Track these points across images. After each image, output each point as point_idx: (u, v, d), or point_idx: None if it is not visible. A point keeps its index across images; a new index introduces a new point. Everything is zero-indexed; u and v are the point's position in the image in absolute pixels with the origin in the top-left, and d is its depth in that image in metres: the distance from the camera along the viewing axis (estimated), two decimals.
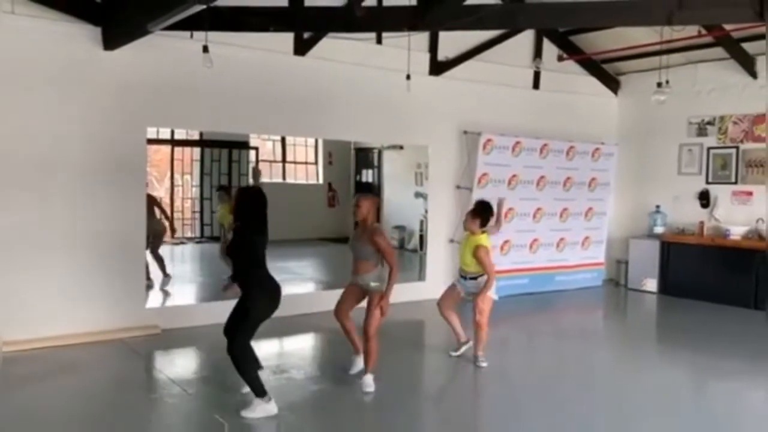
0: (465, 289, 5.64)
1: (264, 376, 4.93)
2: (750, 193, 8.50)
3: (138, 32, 5.60)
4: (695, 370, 5.86)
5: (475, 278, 5.54)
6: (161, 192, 11.58)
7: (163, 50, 6.26)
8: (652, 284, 9.10)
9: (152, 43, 5.95)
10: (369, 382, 4.92)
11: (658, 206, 9.22)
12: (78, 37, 5.98)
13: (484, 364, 5.53)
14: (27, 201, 5.84)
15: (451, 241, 8.21)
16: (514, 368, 5.61)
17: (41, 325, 5.85)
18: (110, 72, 6.15)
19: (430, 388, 5.48)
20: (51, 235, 5.96)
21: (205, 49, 5.20)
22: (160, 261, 8.35)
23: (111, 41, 6.01)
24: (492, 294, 5.52)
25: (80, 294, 6.08)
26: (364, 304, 5.02)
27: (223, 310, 6.74)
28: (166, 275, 8.39)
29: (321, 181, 12.85)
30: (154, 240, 8.07)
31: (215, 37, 5.51)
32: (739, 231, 8.35)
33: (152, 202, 8.13)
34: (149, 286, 7.82)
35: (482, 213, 5.57)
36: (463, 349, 5.77)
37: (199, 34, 5.59)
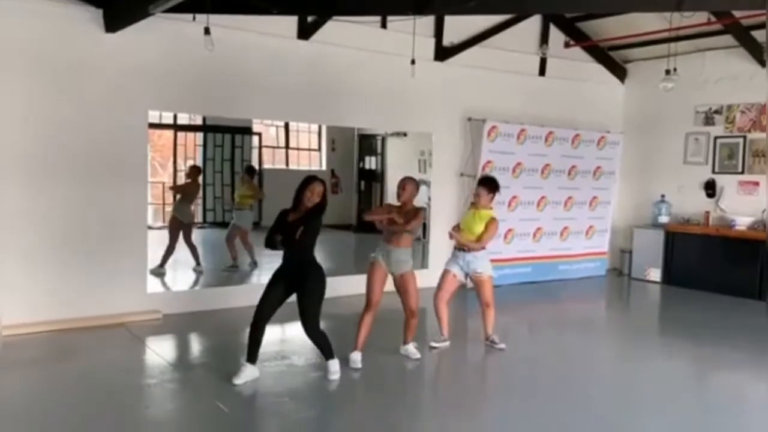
0: (464, 267, 5.64)
1: (265, 362, 4.94)
2: (756, 183, 8.42)
3: (140, 14, 5.56)
4: (698, 361, 5.82)
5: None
6: (164, 177, 11.53)
7: (164, 33, 6.20)
8: (655, 274, 9.05)
9: (154, 26, 5.91)
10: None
11: (663, 196, 9.15)
12: (79, 20, 5.92)
13: (502, 346, 5.66)
14: (25, 186, 5.80)
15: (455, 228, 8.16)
16: (515, 357, 5.58)
17: (42, 309, 5.83)
18: (112, 55, 6.09)
19: (432, 374, 5.47)
20: (52, 220, 5.93)
21: (207, 31, 5.17)
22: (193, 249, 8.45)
23: (112, 24, 5.96)
24: (490, 271, 5.66)
25: (82, 279, 6.06)
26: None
27: (224, 296, 6.84)
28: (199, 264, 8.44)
29: (324, 167, 12.77)
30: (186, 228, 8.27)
31: (217, 20, 5.46)
32: (745, 221, 8.29)
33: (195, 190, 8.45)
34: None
35: (498, 187, 5.72)
36: (444, 344, 5.71)
37: (201, 17, 5.54)
